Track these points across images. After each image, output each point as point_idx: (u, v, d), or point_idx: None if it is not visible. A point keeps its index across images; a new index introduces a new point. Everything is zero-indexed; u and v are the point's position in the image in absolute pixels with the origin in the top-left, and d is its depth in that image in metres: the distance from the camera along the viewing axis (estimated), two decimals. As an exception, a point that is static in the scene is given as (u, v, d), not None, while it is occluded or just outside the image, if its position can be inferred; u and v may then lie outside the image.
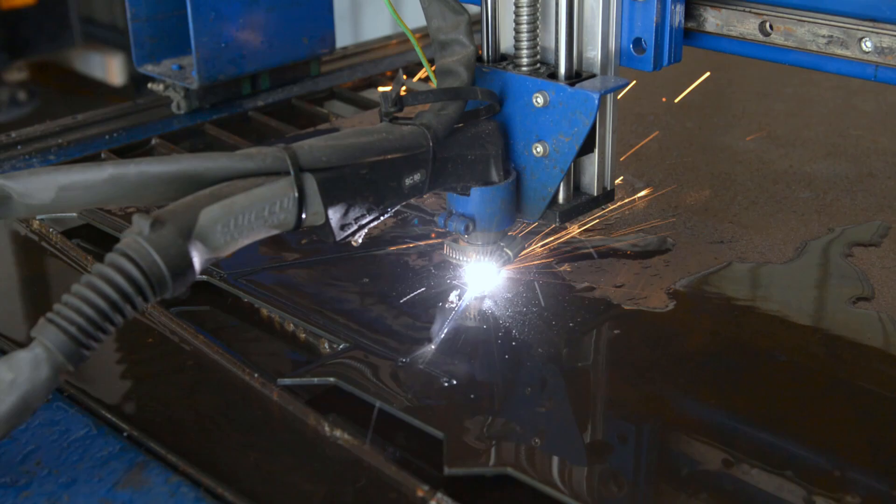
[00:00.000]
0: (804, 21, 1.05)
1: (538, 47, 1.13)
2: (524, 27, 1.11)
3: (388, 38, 2.22)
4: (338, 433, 0.99)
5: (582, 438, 0.99)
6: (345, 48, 2.15)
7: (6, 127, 1.75)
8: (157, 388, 1.10)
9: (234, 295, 1.23)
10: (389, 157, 1.00)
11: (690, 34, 1.14)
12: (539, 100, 1.09)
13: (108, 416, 1.03)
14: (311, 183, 0.95)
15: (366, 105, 1.90)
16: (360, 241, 1.04)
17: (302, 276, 1.28)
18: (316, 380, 1.06)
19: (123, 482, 0.93)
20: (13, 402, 0.85)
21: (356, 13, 5.71)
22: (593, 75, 1.11)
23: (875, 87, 1.83)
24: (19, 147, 1.68)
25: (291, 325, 1.18)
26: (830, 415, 1.03)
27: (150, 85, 1.84)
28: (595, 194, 1.17)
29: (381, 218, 1.03)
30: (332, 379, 1.06)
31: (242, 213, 0.90)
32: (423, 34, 2.27)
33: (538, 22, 1.12)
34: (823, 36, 1.04)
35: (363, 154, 0.98)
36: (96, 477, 0.94)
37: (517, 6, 1.11)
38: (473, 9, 1.16)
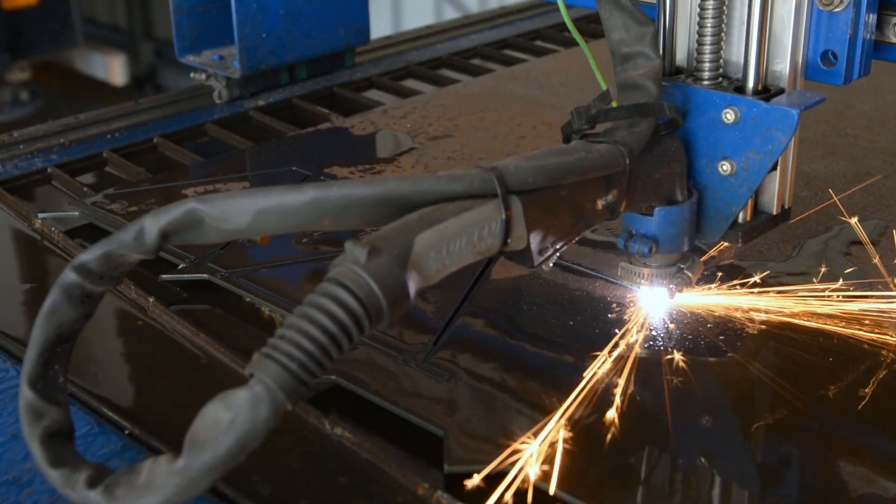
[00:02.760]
0: None
1: (721, 60, 1.07)
2: (709, 39, 1.05)
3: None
4: (338, 431, 0.99)
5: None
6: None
7: (9, 126, 1.76)
8: (158, 386, 1.11)
9: (235, 294, 1.24)
10: (589, 177, 0.95)
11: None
12: (729, 116, 1.04)
13: (110, 414, 1.03)
14: (516, 206, 0.88)
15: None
16: (552, 265, 0.98)
17: (303, 275, 1.28)
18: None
19: (125, 480, 0.94)
20: (230, 443, 0.75)
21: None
22: (782, 90, 1.05)
23: (873, 87, 1.84)
24: (21, 146, 1.69)
25: (292, 323, 1.18)
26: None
27: (192, 74, 1.91)
28: (774, 213, 1.12)
29: (573, 241, 0.98)
30: (332, 377, 1.07)
31: (454, 240, 0.84)
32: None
33: (723, 34, 1.07)
34: None
35: (566, 174, 0.93)
36: (98, 474, 0.94)
37: (702, 18, 1.05)
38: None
